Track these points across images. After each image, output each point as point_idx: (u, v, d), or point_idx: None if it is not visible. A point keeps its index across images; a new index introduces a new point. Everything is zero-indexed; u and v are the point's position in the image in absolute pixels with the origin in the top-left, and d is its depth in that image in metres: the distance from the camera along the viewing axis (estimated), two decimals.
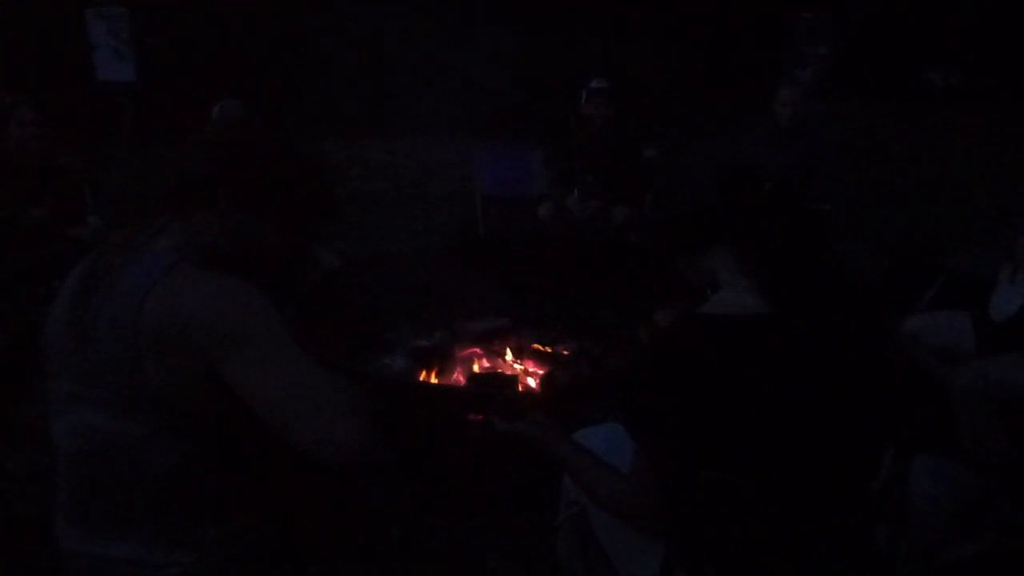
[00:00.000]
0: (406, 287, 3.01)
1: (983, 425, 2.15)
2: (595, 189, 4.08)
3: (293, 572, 1.34)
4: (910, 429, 1.22)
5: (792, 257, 1.20)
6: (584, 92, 4.11)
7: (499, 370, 2.69)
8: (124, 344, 1.08)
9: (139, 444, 1.12)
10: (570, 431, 1.54)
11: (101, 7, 7.63)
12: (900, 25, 10.85)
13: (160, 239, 1.17)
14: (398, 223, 5.47)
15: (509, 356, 2.76)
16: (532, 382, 2.60)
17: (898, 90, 9.99)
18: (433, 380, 2.60)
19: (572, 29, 8.99)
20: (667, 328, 1.24)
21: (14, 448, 2.51)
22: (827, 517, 1.15)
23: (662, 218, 1.37)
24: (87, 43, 7.68)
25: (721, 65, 9.40)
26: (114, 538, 1.16)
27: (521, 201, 4.52)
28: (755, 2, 9.87)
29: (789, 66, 9.88)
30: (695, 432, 1.12)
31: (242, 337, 1.08)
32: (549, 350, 2.80)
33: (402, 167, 7.17)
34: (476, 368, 2.71)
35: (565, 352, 2.76)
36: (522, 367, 2.71)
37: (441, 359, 2.69)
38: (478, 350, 2.79)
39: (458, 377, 2.65)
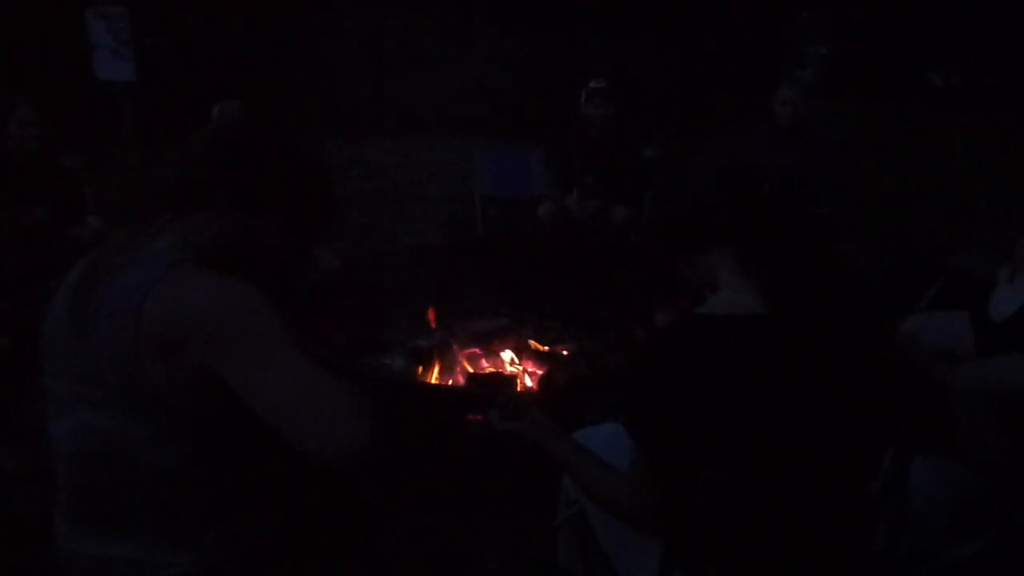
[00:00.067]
0: (406, 287, 3.01)
1: (983, 425, 2.15)
2: (595, 189, 4.07)
3: (293, 572, 1.34)
4: (910, 429, 1.22)
5: (792, 257, 1.20)
6: (584, 92, 4.11)
7: (498, 370, 2.69)
8: (124, 345, 1.07)
9: (139, 444, 1.12)
10: (570, 431, 1.54)
11: (101, 7, 7.62)
12: (900, 25, 10.84)
13: (160, 239, 1.17)
14: (398, 223, 5.47)
15: (509, 356, 2.76)
16: (531, 382, 2.60)
17: (898, 90, 9.99)
18: (433, 380, 2.60)
19: (572, 29, 8.99)
20: (667, 328, 1.24)
21: (14, 448, 2.51)
22: (827, 517, 1.15)
23: (662, 218, 1.37)
24: (87, 43, 7.67)
25: (721, 65, 9.40)
26: (114, 538, 1.16)
27: (521, 201, 4.52)
28: (755, 2, 9.86)
29: (789, 66, 9.87)
30: (695, 432, 1.12)
31: (241, 337, 1.08)
32: (548, 350, 2.80)
33: (402, 167, 7.16)
34: (476, 368, 2.71)
35: (565, 352, 2.76)
36: (521, 367, 2.71)
37: (441, 359, 2.69)
38: (478, 350, 2.80)
39: (458, 377, 2.65)
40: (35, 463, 2.40)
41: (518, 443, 1.44)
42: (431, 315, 2.90)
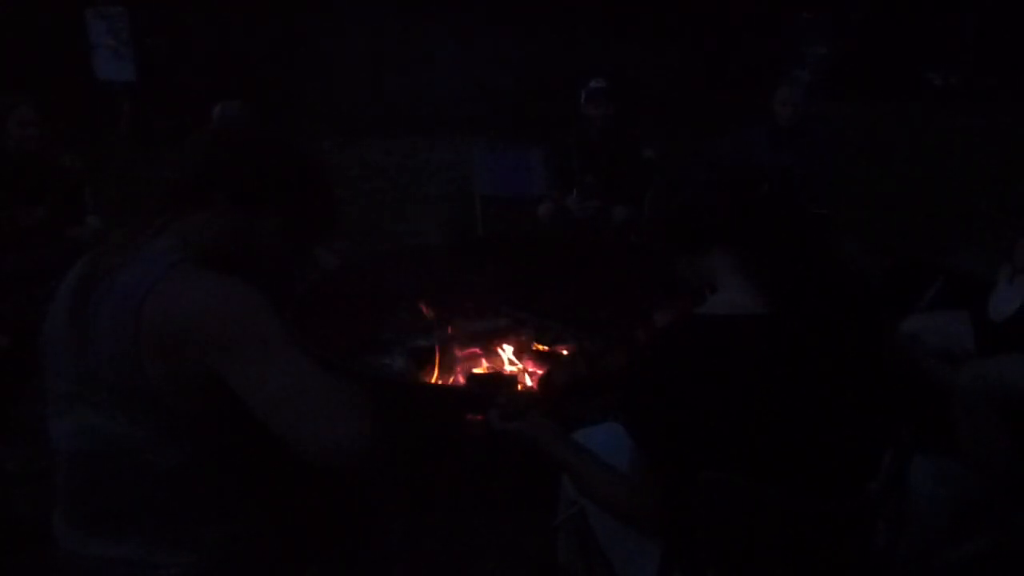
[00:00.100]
0: (406, 287, 3.01)
1: (983, 425, 2.15)
2: (594, 189, 4.07)
3: (293, 572, 1.34)
4: (909, 429, 1.22)
5: (791, 257, 1.20)
6: (584, 92, 4.11)
7: (498, 370, 2.69)
8: (124, 344, 1.07)
9: (139, 444, 1.12)
10: (569, 431, 1.54)
11: (101, 7, 7.62)
12: (900, 25, 10.85)
13: (160, 239, 1.17)
14: (398, 223, 5.47)
15: (508, 356, 2.76)
16: (531, 382, 2.60)
17: (898, 90, 9.99)
18: (432, 380, 2.59)
19: (572, 29, 9.00)
20: (666, 328, 1.24)
21: (14, 448, 2.51)
22: (827, 517, 1.15)
23: (661, 218, 1.37)
24: (87, 43, 7.67)
25: (721, 65, 9.40)
26: (114, 538, 1.16)
27: (521, 201, 4.52)
28: (755, 2, 9.87)
29: (789, 66, 9.87)
30: (695, 432, 1.12)
31: (241, 337, 1.08)
32: (548, 350, 2.80)
33: (402, 167, 7.17)
34: (476, 368, 2.71)
35: (564, 352, 2.76)
36: (521, 367, 2.71)
37: (441, 359, 2.69)
38: (478, 350, 2.79)
39: (458, 377, 2.65)
40: (35, 463, 2.40)
41: (518, 443, 1.44)
42: (425, 310, 2.89)
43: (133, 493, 1.15)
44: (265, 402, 1.06)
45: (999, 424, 2.14)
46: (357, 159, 7.37)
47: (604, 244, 3.91)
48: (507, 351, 2.77)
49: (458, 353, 2.74)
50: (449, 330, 2.87)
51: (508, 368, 2.71)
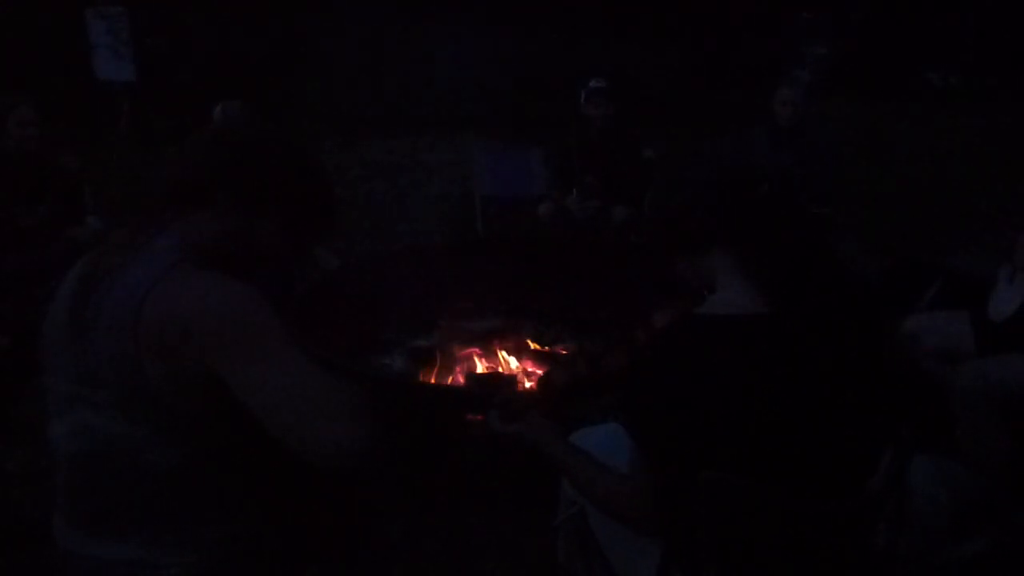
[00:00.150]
0: (406, 287, 3.01)
1: (983, 425, 2.15)
2: (594, 189, 4.07)
3: (293, 572, 1.34)
4: (909, 429, 1.22)
5: (790, 257, 1.20)
6: (584, 92, 4.11)
7: (498, 370, 2.69)
8: (124, 344, 1.07)
9: (139, 444, 1.12)
10: (569, 431, 1.54)
11: (100, 7, 7.62)
12: (900, 25, 10.85)
13: (160, 239, 1.17)
14: (398, 223, 5.47)
15: (508, 356, 2.76)
16: (530, 382, 2.60)
17: (898, 90, 9.99)
18: (432, 380, 2.59)
19: (572, 29, 9.00)
20: (666, 328, 1.24)
21: (14, 448, 2.51)
22: (827, 517, 1.15)
23: (661, 219, 1.37)
24: (86, 43, 7.67)
25: (721, 65, 9.40)
26: (114, 538, 1.16)
27: (521, 201, 4.52)
28: (755, 2, 9.87)
29: (789, 66, 9.88)
30: (694, 432, 1.12)
31: (241, 338, 1.08)
32: (548, 350, 2.80)
33: (402, 167, 7.16)
34: (475, 368, 2.71)
35: (564, 352, 2.76)
36: (521, 367, 2.71)
37: (440, 359, 2.69)
38: (477, 350, 2.79)
39: (457, 377, 2.65)
40: (35, 463, 2.40)
41: (517, 445, 1.44)
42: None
43: (133, 493, 1.14)
44: (264, 403, 1.06)
45: (999, 424, 2.14)
46: (357, 159, 7.36)
47: (604, 244, 3.90)
48: (507, 351, 2.77)
49: (458, 353, 2.74)
50: (449, 330, 2.87)
51: (508, 368, 2.71)
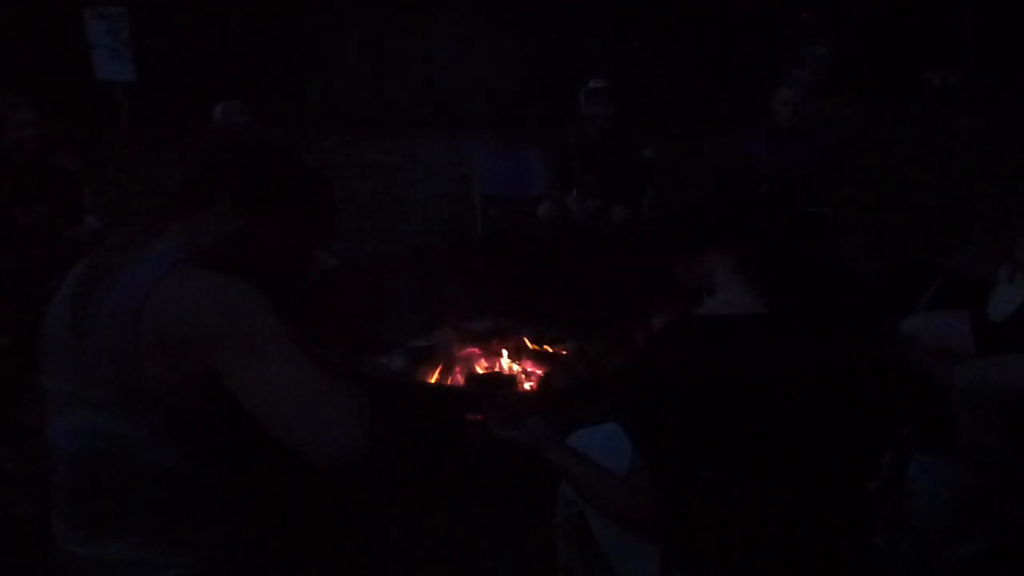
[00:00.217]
0: (405, 287, 3.01)
1: (982, 425, 2.15)
2: (594, 189, 4.07)
3: (293, 572, 1.34)
4: (909, 429, 1.22)
5: (789, 258, 1.20)
6: (584, 92, 4.11)
7: (498, 370, 2.69)
8: (124, 345, 1.07)
9: (139, 444, 1.12)
10: (570, 431, 1.54)
11: (100, 7, 7.61)
12: (900, 25, 10.85)
13: (160, 240, 1.17)
14: (398, 223, 5.47)
15: (508, 356, 2.76)
16: (530, 383, 2.60)
17: (898, 90, 9.99)
18: (432, 380, 2.59)
19: (572, 29, 8.99)
20: (666, 329, 1.24)
21: (13, 448, 2.51)
22: (827, 517, 1.15)
23: (661, 219, 1.37)
24: (86, 43, 7.66)
25: (721, 65, 9.40)
26: (113, 539, 1.16)
27: (520, 201, 4.52)
28: (755, 2, 9.86)
29: (789, 66, 9.88)
30: (694, 432, 1.12)
31: (241, 337, 1.08)
32: (548, 350, 2.80)
33: (402, 167, 7.16)
34: (475, 368, 2.71)
35: (564, 352, 2.76)
36: (521, 367, 2.71)
37: (440, 359, 2.69)
38: (477, 350, 2.79)
39: (457, 377, 2.65)
40: (35, 463, 2.40)
41: (517, 449, 1.44)
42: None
43: (133, 493, 1.14)
44: (264, 402, 1.06)
45: (998, 424, 2.14)
46: (357, 159, 7.37)
47: (604, 244, 3.90)
48: (507, 351, 2.77)
49: (457, 353, 2.74)
50: (449, 330, 2.87)
51: (507, 368, 2.71)
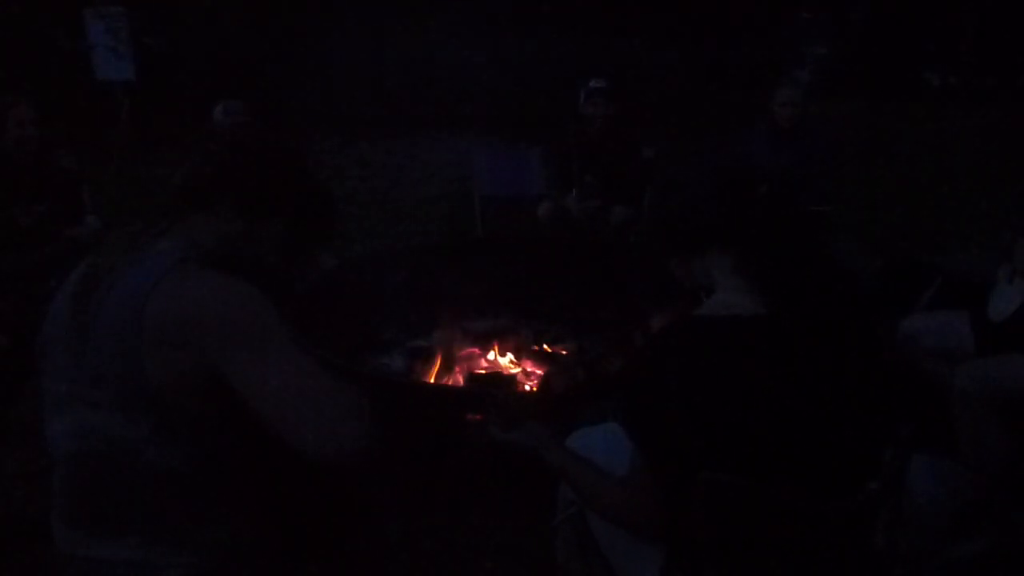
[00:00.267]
0: (405, 287, 3.01)
1: (982, 425, 2.15)
2: (594, 189, 4.07)
3: (293, 572, 1.34)
4: (909, 429, 1.22)
5: (788, 258, 1.20)
6: (584, 92, 4.11)
7: (498, 370, 2.69)
8: (125, 344, 1.08)
9: (139, 444, 1.12)
10: (569, 432, 1.54)
11: (99, 7, 7.61)
12: (900, 25, 10.85)
13: (162, 240, 1.18)
14: (398, 223, 5.47)
15: (508, 356, 2.76)
16: (530, 383, 2.60)
17: (898, 90, 10.00)
18: (432, 380, 2.59)
19: (572, 29, 8.99)
20: (665, 329, 1.24)
21: (13, 448, 2.51)
22: (827, 517, 1.15)
23: (660, 220, 1.37)
24: (85, 43, 7.66)
25: (721, 65, 9.40)
26: (113, 539, 1.16)
27: (520, 201, 4.52)
28: (755, 2, 9.87)
29: (789, 66, 9.88)
30: (694, 433, 1.12)
31: (244, 336, 1.08)
32: (548, 350, 2.80)
33: (402, 167, 7.17)
34: (475, 368, 2.71)
35: (564, 352, 2.76)
36: (520, 367, 2.71)
37: (440, 359, 2.69)
38: (477, 350, 2.79)
39: (457, 377, 2.65)
40: (35, 463, 2.40)
41: (517, 452, 1.44)
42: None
43: (133, 494, 1.14)
44: (266, 400, 1.07)
45: (998, 424, 2.14)
46: (357, 159, 7.37)
47: (604, 244, 3.90)
48: (506, 351, 2.77)
49: (458, 353, 2.74)
50: (449, 330, 2.87)
51: (507, 368, 2.71)
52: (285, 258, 1.31)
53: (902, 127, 8.47)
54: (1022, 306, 2.32)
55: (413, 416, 2.14)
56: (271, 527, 1.26)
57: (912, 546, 1.83)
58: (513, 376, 2.64)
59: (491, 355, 2.78)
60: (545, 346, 2.82)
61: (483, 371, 2.68)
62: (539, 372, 2.65)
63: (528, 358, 2.76)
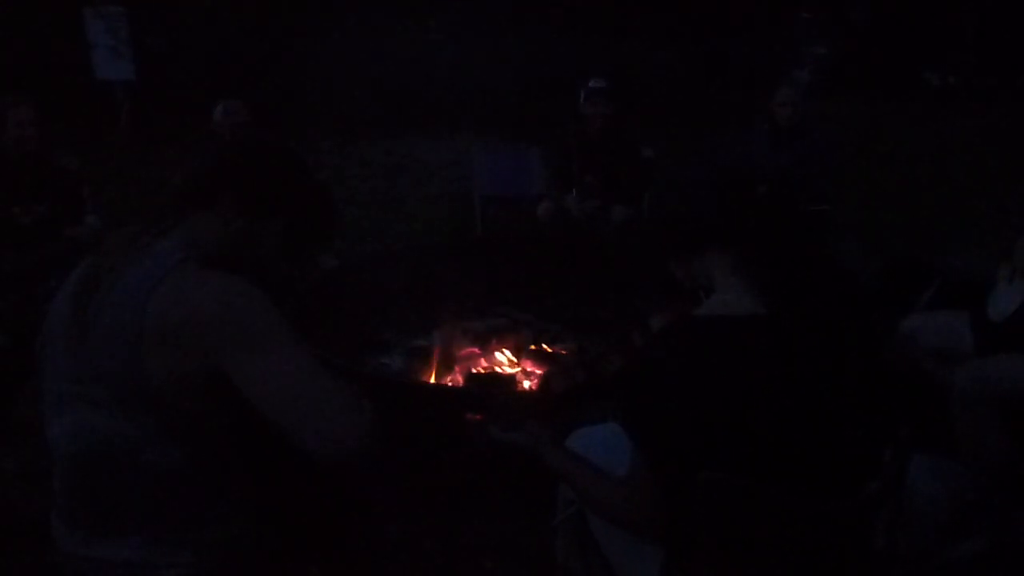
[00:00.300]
0: (405, 287, 3.01)
1: (981, 425, 2.15)
2: (594, 189, 4.07)
3: (293, 572, 1.34)
4: (908, 429, 1.22)
5: (787, 258, 1.21)
6: (583, 92, 4.11)
7: (497, 370, 2.69)
8: (126, 343, 1.08)
9: (139, 444, 1.12)
10: (569, 432, 1.55)
11: (99, 6, 7.61)
12: (900, 25, 10.85)
13: (163, 240, 1.18)
14: (398, 223, 5.47)
15: (508, 356, 2.76)
16: (530, 383, 2.60)
17: (897, 90, 10.00)
18: (432, 380, 2.59)
19: (572, 29, 9.00)
20: (664, 329, 1.24)
21: (13, 448, 2.51)
22: (827, 517, 1.16)
23: (660, 219, 1.38)
24: (85, 42, 7.66)
25: (721, 65, 9.40)
26: (113, 539, 1.16)
27: (520, 201, 4.52)
28: (755, 2, 9.87)
29: (789, 66, 9.88)
30: (694, 433, 1.12)
31: (246, 334, 1.09)
32: (548, 350, 2.80)
33: (402, 167, 7.17)
34: (475, 368, 2.70)
35: (564, 352, 2.76)
36: (520, 367, 2.71)
37: (440, 359, 2.69)
38: (477, 350, 2.79)
39: (457, 377, 2.65)
40: (35, 463, 2.40)
41: (515, 453, 1.45)
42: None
43: (133, 493, 1.15)
44: (267, 399, 1.07)
45: (997, 424, 2.14)
46: (357, 159, 7.36)
47: (604, 244, 3.90)
48: (506, 351, 2.77)
49: (458, 353, 2.74)
50: (449, 330, 2.87)
51: (507, 368, 2.71)
52: (285, 258, 1.31)
53: (902, 127, 8.47)
54: (1022, 306, 2.33)
55: (413, 416, 2.14)
56: (271, 527, 1.26)
57: (912, 546, 1.83)
58: (513, 376, 2.64)
59: (491, 355, 2.78)
60: (545, 346, 2.82)
61: (483, 371, 2.68)
62: (539, 372, 2.65)
63: (528, 358, 2.75)
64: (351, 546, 1.48)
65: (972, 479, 2.07)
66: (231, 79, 7.44)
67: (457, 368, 2.69)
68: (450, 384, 2.60)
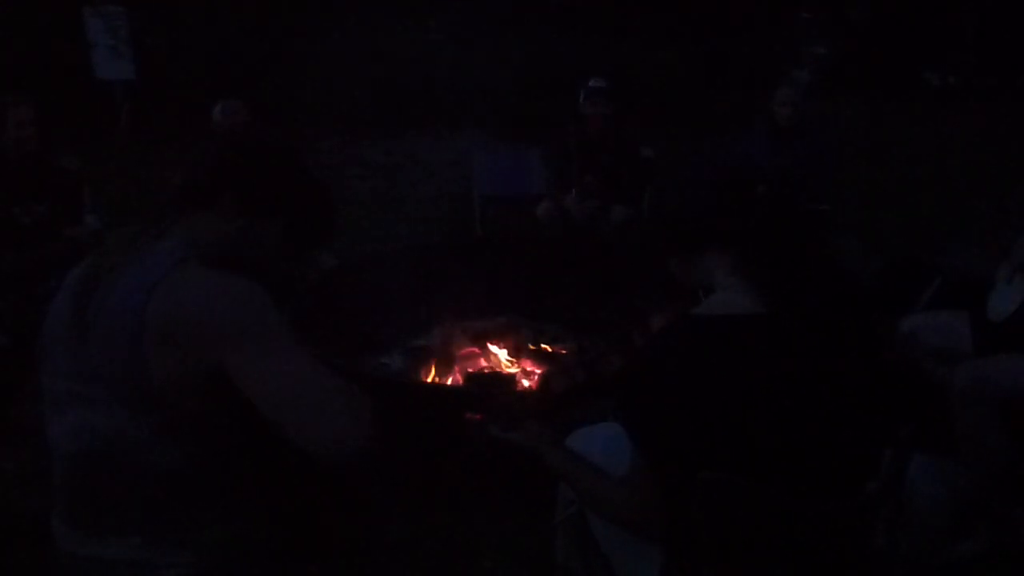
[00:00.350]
0: (405, 287, 3.01)
1: (981, 425, 2.15)
2: (593, 189, 4.07)
3: (293, 572, 1.34)
4: (908, 429, 1.22)
5: (787, 258, 1.21)
6: (583, 92, 4.11)
7: (497, 370, 2.69)
8: (127, 343, 1.08)
9: (139, 444, 1.12)
10: (568, 432, 1.55)
11: (99, 6, 7.61)
12: (900, 25, 10.85)
13: (163, 240, 1.18)
14: (397, 223, 5.47)
15: (507, 356, 2.76)
16: (529, 382, 2.60)
17: (897, 90, 9.99)
18: (431, 380, 2.60)
19: (572, 29, 8.99)
20: (664, 329, 1.24)
21: (13, 448, 2.51)
22: (826, 517, 1.16)
23: (659, 220, 1.38)
24: (85, 42, 7.66)
25: (721, 65, 9.40)
26: (113, 539, 1.16)
27: (520, 200, 4.52)
28: (755, 2, 9.87)
29: (789, 66, 9.88)
30: (693, 433, 1.12)
31: (247, 333, 1.09)
32: (548, 349, 2.80)
33: (402, 167, 7.16)
34: (475, 368, 2.71)
35: (563, 352, 2.76)
36: (520, 367, 2.71)
37: (439, 359, 2.69)
38: (476, 350, 2.79)
39: (457, 377, 2.65)
40: (35, 463, 2.40)
41: (515, 452, 1.45)
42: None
43: (133, 493, 1.15)
44: (268, 398, 1.07)
45: (997, 424, 2.14)
46: (357, 159, 7.36)
47: (603, 244, 3.90)
48: (506, 351, 2.78)
49: (458, 353, 2.74)
50: (449, 330, 2.87)
51: (507, 368, 2.71)
52: (285, 258, 1.31)
53: (902, 127, 8.47)
54: (1022, 306, 2.33)
55: (413, 416, 2.14)
56: (271, 527, 1.26)
57: (912, 546, 1.83)
58: (513, 376, 2.64)
59: (491, 355, 2.78)
60: (545, 346, 2.83)
61: (483, 371, 2.68)
62: (539, 372, 2.65)
63: (527, 358, 2.76)
64: (351, 546, 1.48)
65: (972, 479, 2.08)
66: (231, 79, 7.43)
67: (457, 368, 2.69)
68: (450, 384, 2.60)
